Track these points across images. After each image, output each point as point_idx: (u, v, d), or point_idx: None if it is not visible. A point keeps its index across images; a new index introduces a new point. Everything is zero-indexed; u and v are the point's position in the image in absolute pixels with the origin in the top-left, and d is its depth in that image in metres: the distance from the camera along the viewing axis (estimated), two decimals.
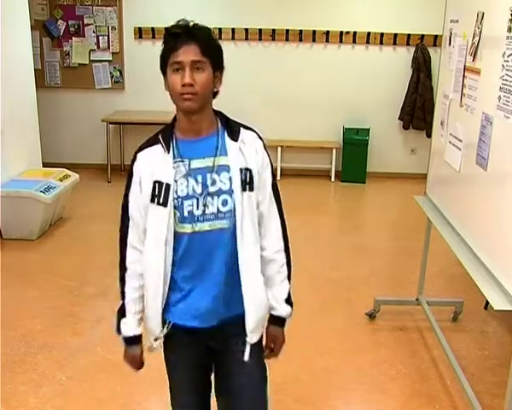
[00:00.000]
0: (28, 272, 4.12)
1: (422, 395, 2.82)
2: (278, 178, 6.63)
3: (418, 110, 6.48)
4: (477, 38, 2.54)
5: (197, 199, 1.57)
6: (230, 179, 1.57)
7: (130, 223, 1.64)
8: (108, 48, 6.63)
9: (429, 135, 4.75)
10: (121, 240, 1.67)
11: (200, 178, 1.57)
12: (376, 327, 3.45)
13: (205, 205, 1.56)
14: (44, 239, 4.74)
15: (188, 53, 1.52)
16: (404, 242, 4.87)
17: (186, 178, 1.57)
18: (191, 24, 1.61)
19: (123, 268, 1.67)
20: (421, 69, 6.41)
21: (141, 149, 1.65)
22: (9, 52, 4.79)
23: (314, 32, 6.46)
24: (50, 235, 4.83)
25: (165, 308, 1.64)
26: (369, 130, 6.57)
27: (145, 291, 1.65)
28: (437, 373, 2.99)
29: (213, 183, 1.57)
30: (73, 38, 6.60)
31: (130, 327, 1.69)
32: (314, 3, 6.41)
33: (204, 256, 1.59)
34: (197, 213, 1.57)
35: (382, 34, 6.48)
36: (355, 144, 6.53)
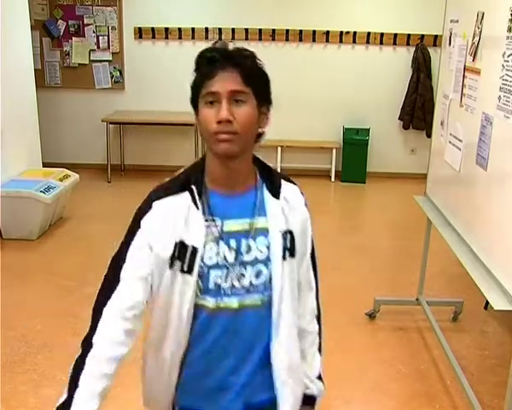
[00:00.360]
0: (28, 272, 4.12)
1: (422, 395, 2.82)
2: None
3: (418, 110, 6.48)
4: (477, 38, 2.54)
5: (227, 269, 1.27)
6: (268, 246, 1.29)
7: (121, 287, 1.30)
8: (108, 48, 6.62)
9: (429, 135, 4.75)
10: (96, 309, 1.34)
11: (233, 243, 1.28)
12: (376, 327, 3.45)
13: (236, 278, 1.28)
14: (44, 239, 4.74)
15: (225, 81, 1.21)
16: (404, 242, 4.87)
17: (217, 243, 1.27)
18: (230, 47, 1.29)
19: (86, 346, 1.27)
20: (421, 69, 6.41)
21: (160, 195, 1.30)
22: (9, 52, 4.79)
23: (314, 32, 6.46)
24: (50, 235, 4.83)
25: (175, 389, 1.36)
26: (369, 130, 6.57)
27: (148, 369, 1.42)
28: (437, 373, 2.99)
29: (249, 250, 1.29)
30: (73, 38, 6.60)
31: None
32: (314, 3, 6.40)
33: (226, 339, 1.30)
34: (225, 285, 1.27)
35: (382, 34, 6.47)
36: (355, 144, 6.53)
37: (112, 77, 6.71)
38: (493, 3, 2.41)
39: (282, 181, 1.37)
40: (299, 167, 6.73)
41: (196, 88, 1.27)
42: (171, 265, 1.26)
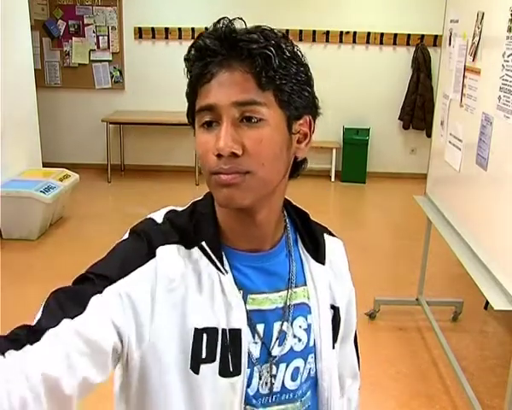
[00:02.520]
0: (28, 272, 4.12)
1: (422, 395, 2.82)
2: None
3: (418, 110, 6.48)
4: (477, 38, 2.54)
5: (251, 368, 0.85)
6: (309, 329, 0.90)
7: (89, 312, 0.75)
8: (108, 48, 6.62)
9: (429, 135, 4.75)
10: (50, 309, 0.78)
11: (260, 329, 0.86)
12: (376, 327, 3.45)
13: (262, 380, 0.86)
14: (44, 239, 4.74)
15: (228, 88, 0.77)
16: (404, 242, 4.87)
17: None
18: (239, 28, 0.85)
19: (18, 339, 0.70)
20: (421, 69, 6.41)
21: (162, 240, 0.84)
22: (9, 52, 4.79)
23: (314, 32, 6.46)
24: (50, 235, 4.83)
25: None
26: (369, 130, 6.57)
27: None
28: (437, 373, 2.99)
29: (283, 339, 0.87)
30: (73, 38, 6.60)
31: None
32: (314, 3, 6.40)
33: None
34: (247, 391, 0.85)
35: (382, 34, 6.47)
36: (355, 144, 6.53)
37: (112, 77, 6.71)
38: (493, 3, 2.41)
39: (326, 236, 0.97)
40: None
41: (189, 97, 0.85)
42: (196, 367, 0.81)
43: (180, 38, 6.49)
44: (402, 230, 5.29)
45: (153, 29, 6.50)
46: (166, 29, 6.48)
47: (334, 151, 6.62)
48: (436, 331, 3.18)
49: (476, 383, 2.82)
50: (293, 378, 0.89)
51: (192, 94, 0.83)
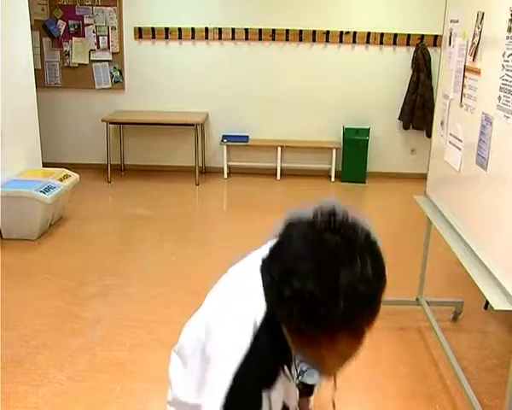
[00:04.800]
0: (28, 272, 4.12)
1: (422, 395, 2.82)
2: (278, 178, 6.64)
3: (418, 110, 6.48)
4: (477, 38, 2.54)
5: None
6: None
7: None
8: (108, 48, 6.62)
9: (429, 135, 4.75)
10: None
11: None
12: (376, 327, 3.44)
13: None
14: (44, 239, 4.74)
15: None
16: (404, 242, 4.86)
17: None
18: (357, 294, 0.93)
19: None
20: (421, 69, 6.40)
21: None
22: (9, 52, 4.80)
23: (314, 32, 6.46)
24: (50, 235, 4.83)
25: None
26: (369, 130, 6.57)
27: None
28: (437, 373, 2.99)
29: None
30: (73, 38, 6.59)
31: None
32: (314, 3, 6.40)
33: None
34: None
35: (382, 34, 6.47)
36: (355, 144, 6.52)
37: (112, 77, 6.71)
38: (493, 3, 2.41)
39: None
40: (299, 167, 6.73)
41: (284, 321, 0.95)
42: None
43: (180, 38, 6.49)
44: (402, 230, 5.28)
45: (153, 29, 6.50)
46: (166, 29, 6.47)
47: (334, 151, 6.61)
48: (436, 331, 3.18)
49: (476, 383, 2.82)
50: None
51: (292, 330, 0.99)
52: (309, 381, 1.15)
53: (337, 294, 0.83)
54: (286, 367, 1.03)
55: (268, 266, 0.93)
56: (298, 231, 0.93)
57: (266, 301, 0.95)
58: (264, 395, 1.00)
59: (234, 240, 4.75)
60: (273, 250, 0.95)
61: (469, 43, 2.64)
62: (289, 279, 0.85)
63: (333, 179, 6.69)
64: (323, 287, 0.84)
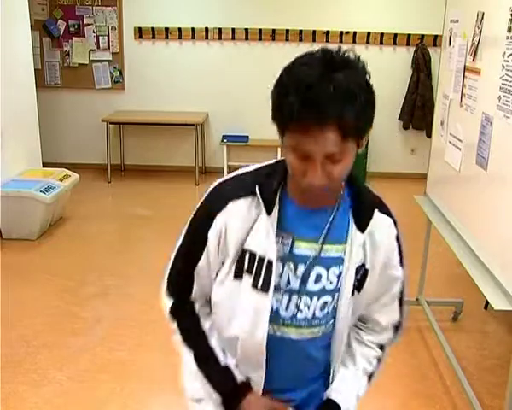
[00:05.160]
0: (28, 272, 4.12)
1: (422, 395, 2.82)
2: None
3: (418, 110, 6.48)
4: (477, 38, 2.54)
5: (289, 296, 1.16)
6: (340, 276, 1.17)
7: (195, 284, 1.25)
8: (108, 48, 6.62)
9: (429, 135, 4.75)
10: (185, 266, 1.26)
11: (301, 268, 1.15)
12: None
13: (298, 307, 1.17)
14: (44, 239, 4.74)
15: (321, 143, 0.98)
16: (404, 242, 4.86)
17: (282, 264, 1.14)
18: (338, 77, 0.98)
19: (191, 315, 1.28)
20: (421, 69, 6.40)
21: (235, 194, 1.15)
22: (9, 52, 4.79)
23: (314, 32, 6.46)
24: (50, 235, 4.83)
25: None
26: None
27: None
28: (437, 373, 2.99)
29: (318, 279, 1.16)
30: (73, 38, 6.59)
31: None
32: (314, 3, 6.40)
33: (274, 362, 1.21)
34: (284, 314, 1.17)
35: (382, 34, 6.47)
36: None
37: (112, 77, 6.70)
38: (493, 3, 2.41)
39: (376, 212, 1.18)
40: None
41: (277, 120, 1.04)
42: (238, 275, 1.14)
43: (180, 38, 6.49)
44: (402, 230, 5.26)
45: (153, 29, 6.50)
46: (166, 29, 6.47)
47: None
48: (436, 331, 3.18)
49: (476, 383, 2.82)
50: (322, 309, 1.18)
51: (282, 127, 1.06)
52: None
53: (330, 81, 0.95)
54: (269, 197, 1.12)
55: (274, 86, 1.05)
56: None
57: (273, 110, 1.05)
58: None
59: None
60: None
61: (469, 43, 2.64)
62: (287, 74, 1.01)
63: None
64: (319, 75, 0.96)
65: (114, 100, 6.74)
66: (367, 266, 1.18)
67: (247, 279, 1.14)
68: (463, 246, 2.59)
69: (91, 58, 6.64)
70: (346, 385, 1.31)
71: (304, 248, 1.13)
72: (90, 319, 3.45)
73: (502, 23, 2.20)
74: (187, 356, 1.27)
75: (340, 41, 6.51)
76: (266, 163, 1.24)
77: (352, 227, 1.15)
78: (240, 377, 1.22)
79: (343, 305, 1.18)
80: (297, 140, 0.99)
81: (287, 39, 6.45)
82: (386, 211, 1.22)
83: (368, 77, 1.08)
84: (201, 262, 1.20)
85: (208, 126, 6.73)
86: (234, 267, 1.15)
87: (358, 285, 1.19)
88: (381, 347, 1.41)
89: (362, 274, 1.18)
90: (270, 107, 1.05)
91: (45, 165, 5.52)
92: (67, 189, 5.04)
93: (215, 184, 1.21)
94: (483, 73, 2.48)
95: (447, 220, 2.90)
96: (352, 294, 1.18)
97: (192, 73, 6.57)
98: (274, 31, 6.43)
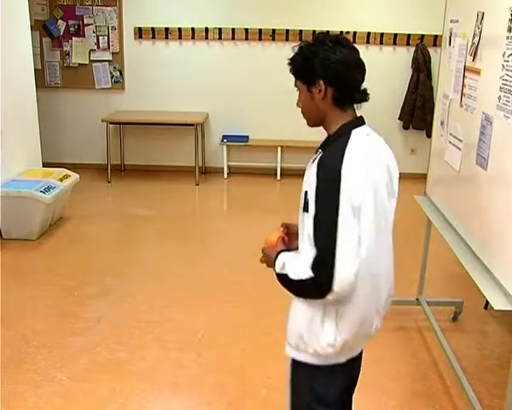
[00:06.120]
0: (28, 272, 4.12)
1: (422, 395, 2.82)
2: (278, 178, 6.64)
3: (418, 110, 6.48)
4: (477, 38, 2.54)
5: None
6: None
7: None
8: (108, 48, 6.62)
9: (429, 135, 4.75)
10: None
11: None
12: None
13: None
14: (44, 239, 4.74)
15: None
16: (404, 242, 4.85)
17: None
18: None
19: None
20: (421, 69, 6.40)
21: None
22: (9, 52, 4.80)
23: (314, 32, 6.44)
24: (50, 235, 4.83)
25: None
26: None
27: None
28: (437, 373, 2.99)
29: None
30: (73, 38, 6.60)
31: None
32: (314, 3, 6.40)
33: None
34: None
35: (382, 34, 6.47)
36: None
37: (112, 77, 6.71)
38: (493, 3, 2.41)
39: (320, 151, 1.64)
40: (299, 167, 6.70)
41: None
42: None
43: (180, 38, 6.49)
44: (402, 230, 5.27)
45: (153, 29, 6.50)
46: (166, 29, 6.47)
47: None
48: (436, 331, 3.18)
49: (476, 383, 2.82)
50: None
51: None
52: None
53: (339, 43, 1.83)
54: None
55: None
56: None
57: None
58: None
59: (234, 240, 4.75)
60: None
61: (469, 43, 2.64)
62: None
63: None
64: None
65: (114, 100, 6.74)
66: (306, 189, 1.58)
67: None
68: (463, 246, 2.59)
69: (91, 58, 6.64)
70: (289, 256, 1.65)
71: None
72: (90, 319, 3.45)
73: (502, 23, 2.20)
74: None
75: None
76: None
77: (310, 161, 1.64)
78: None
79: (299, 219, 1.62)
80: None
81: (287, 39, 6.45)
82: (330, 153, 1.59)
83: (313, 48, 1.78)
84: None
85: (208, 126, 6.73)
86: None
87: (304, 206, 1.56)
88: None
89: (305, 198, 1.57)
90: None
91: (45, 165, 5.53)
92: (67, 189, 5.04)
93: None
94: (483, 73, 2.48)
95: (447, 220, 2.90)
96: (304, 211, 1.57)
97: (192, 73, 6.57)
98: (274, 31, 6.44)
